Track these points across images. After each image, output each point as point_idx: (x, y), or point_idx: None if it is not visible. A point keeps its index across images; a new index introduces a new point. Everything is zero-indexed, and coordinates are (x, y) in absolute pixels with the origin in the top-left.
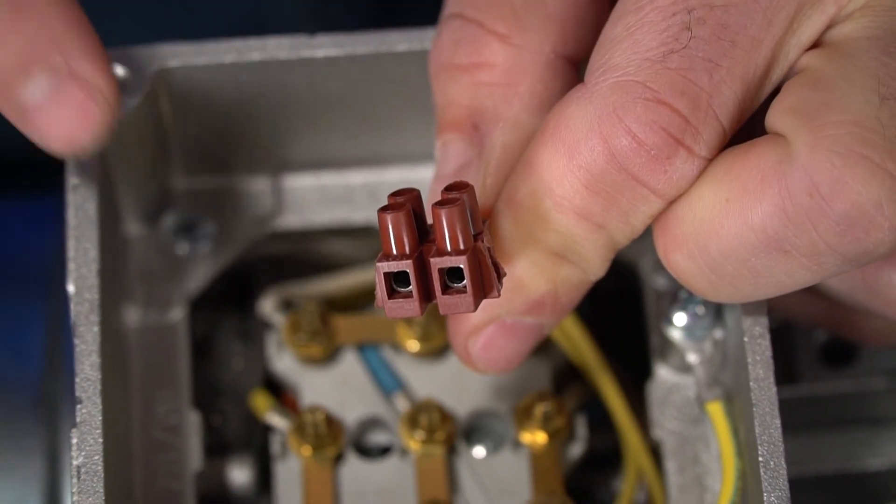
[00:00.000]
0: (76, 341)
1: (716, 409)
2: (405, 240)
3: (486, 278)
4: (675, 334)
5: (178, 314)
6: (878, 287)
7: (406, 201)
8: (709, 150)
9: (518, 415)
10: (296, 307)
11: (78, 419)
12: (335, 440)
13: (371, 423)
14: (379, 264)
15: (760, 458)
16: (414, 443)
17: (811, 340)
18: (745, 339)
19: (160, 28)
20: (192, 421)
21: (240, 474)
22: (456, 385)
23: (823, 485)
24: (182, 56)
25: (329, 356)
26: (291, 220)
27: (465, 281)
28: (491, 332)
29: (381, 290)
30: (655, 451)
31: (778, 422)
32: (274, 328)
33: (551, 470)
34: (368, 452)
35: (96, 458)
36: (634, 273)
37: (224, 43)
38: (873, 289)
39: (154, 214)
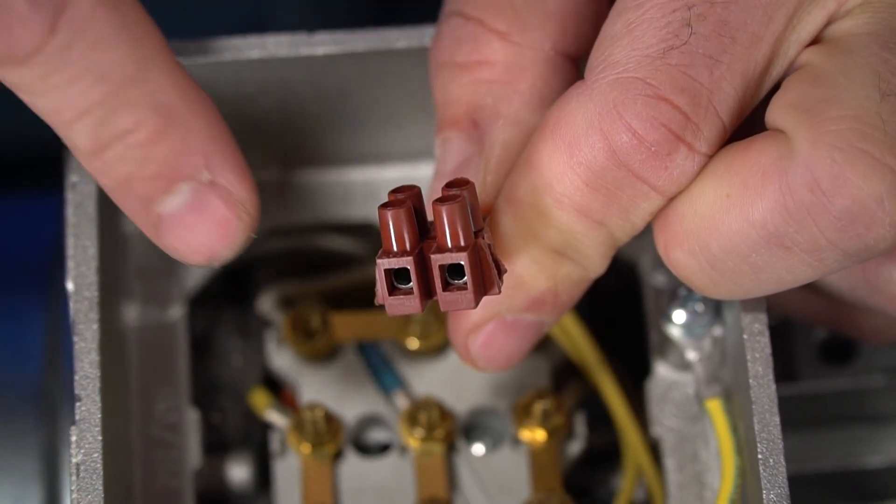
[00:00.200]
0: (75, 339)
1: (715, 407)
2: (406, 236)
3: (487, 275)
4: (675, 332)
5: (177, 312)
6: (878, 283)
7: (406, 198)
8: (709, 147)
9: (517, 412)
10: (295, 304)
11: (77, 417)
12: (334, 438)
13: (370, 421)
14: (379, 261)
15: (760, 456)
16: (413, 440)
17: (810, 338)
18: (745, 336)
19: (160, 27)
20: (192, 418)
21: (239, 472)
22: (455, 383)
23: (822, 482)
24: (182, 54)
25: (328, 354)
26: (291, 217)
27: (465, 278)
28: (491, 330)
29: (381, 287)
30: (655, 449)
31: (777, 419)
32: (273, 326)
33: (550, 467)
34: (368, 450)
35: (95, 455)
36: (634, 271)
37: (223, 41)
38: (874, 285)
39: None
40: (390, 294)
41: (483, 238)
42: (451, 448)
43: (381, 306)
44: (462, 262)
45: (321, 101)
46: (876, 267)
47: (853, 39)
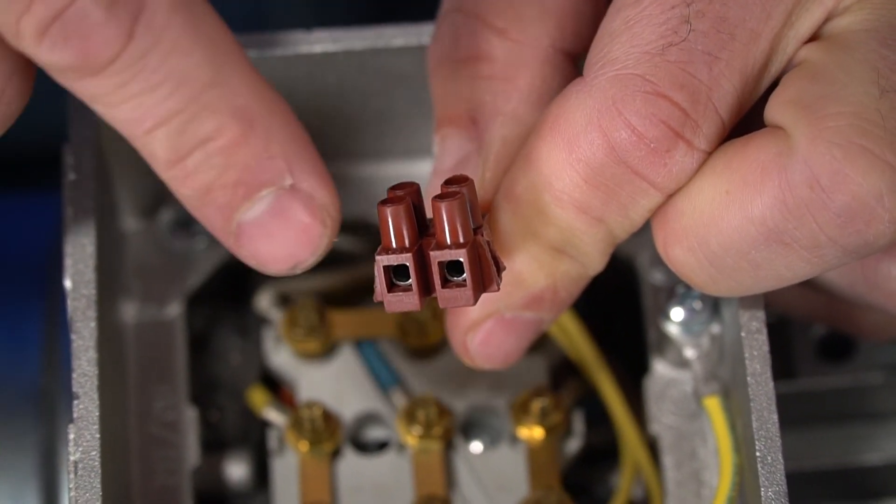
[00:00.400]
0: (73, 337)
1: (713, 404)
2: (405, 233)
3: (486, 272)
4: (673, 329)
5: (175, 310)
6: (877, 279)
7: (406, 195)
8: (708, 143)
9: (515, 410)
10: (293, 302)
11: (75, 415)
12: (332, 435)
13: (368, 419)
14: (378, 257)
15: (758, 453)
16: (411, 438)
17: (809, 335)
18: (743, 333)
19: None
20: (190, 416)
21: (237, 470)
22: (453, 380)
23: (821, 480)
24: None
25: (326, 351)
26: None
27: (464, 274)
28: (490, 327)
29: (380, 284)
30: (653, 447)
31: (775, 417)
32: (271, 323)
33: (548, 465)
34: (366, 448)
35: (93, 453)
36: (632, 268)
37: None
38: (873, 281)
39: (151, 210)
40: (389, 291)
41: (482, 235)
42: (449, 446)
43: (380, 303)
44: (461, 259)
45: (319, 99)
46: (875, 263)
47: (852, 36)
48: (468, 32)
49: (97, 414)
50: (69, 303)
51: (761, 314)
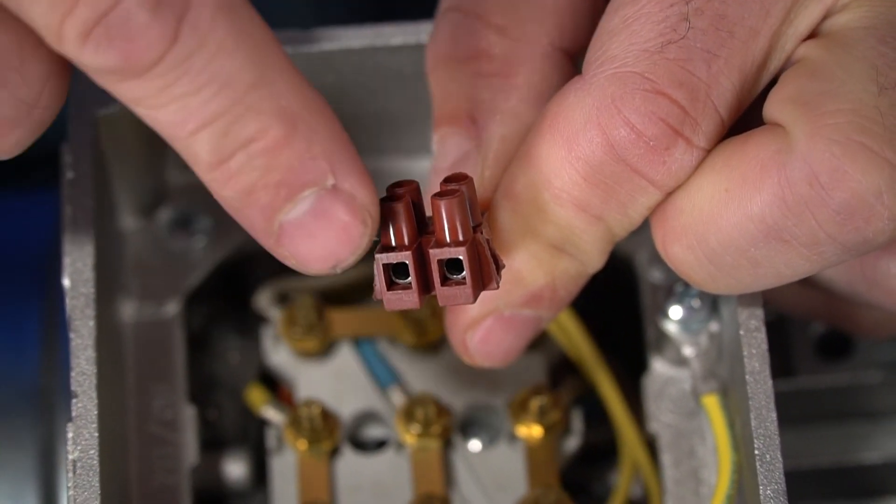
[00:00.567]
0: (72, 335)
1: (712, 403)
2: (404, 231)
3: (486, 270)
4: (671, 327)
5: (173, 308)
6: (876, 277)
7: (405, 192)
8: (707, 141)
9: (514, 408)
10: (291, 301)
11: (73, 413)
12: (331, 434)
13: (367, 417)
14: (378, 255)
15: (756, 452)
16: (410, 436)
17: (807, 333)
18: (741, 332)
19: None
20: (188, 415)
21: (235, 468)
22: (452, 379)
23: (819, 478)
24: None
25: (325, 350)
26: None
27: (464, 272)
28: (489, 325)
29: (379, 282)
30: (651, 445)
31: (774, 415)
32: (270, 322)
33: (547, 464)
34: (364, 446)
35: (92, 452)
36: (630, 266)
37: None
38: (872, 279)
39: (150, 208)
40: (389, 289)
41: (481, 233)
42: (447, 444)
43: (380, 301)
44: (461, 257)
45: None
46: (874, 261)
47: (850, 33)
48: (467, 31)
49: (96, 413)
50: (68, 301)
51: (760, 312)
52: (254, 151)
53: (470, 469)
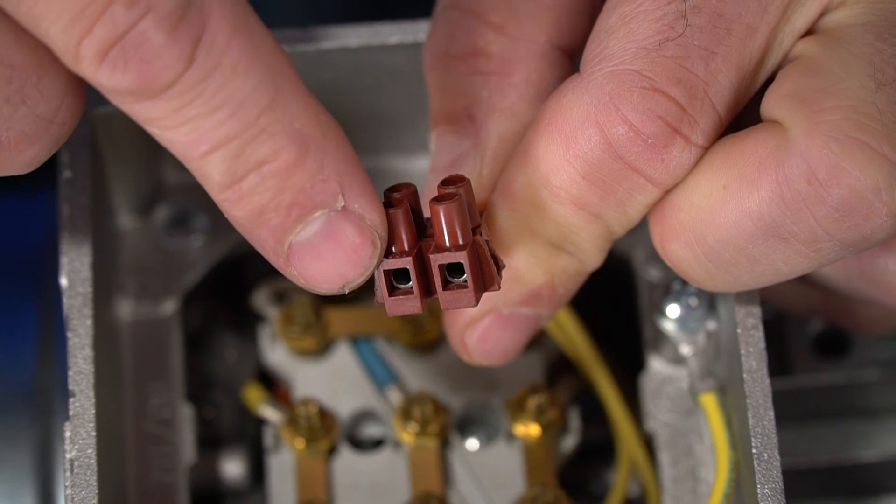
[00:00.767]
0: (69, 335)
1: (709, 401)
2: (404, 237)
3: (487, 272)
4: (669, 326)
5: (171, 307)
6: (874, 274)
7: (403, 197)
8: (705, 139)
9: (511, 407)
10: (289, 299)
11: (71, 412)
12: (328, 433)
13: (364, 416)
14: None
15: (754, 450)
16: (407, 435)
17: (805, 332)
18: (739, 330)
19: None
20: (185, 414)
21: (233, 467)
22: (449, 377)
23: (817, 476)
24: None
25: (322, 349)
26: None
27: (465, 276)
28: (488, 324)
29: (381, 288)
30: (649, 443)
31: (771, 413)
32: (267, 321)
33: (545, 462)
34: (361, 445)
35: (89, 451)
36: (627, 265)
37: None
38: (870, 276)
39: (147, 207)
40: (390, 294)
41: (481, 234)
42: (445, 443)
43: (381, 306)
44: (462, 261)
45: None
46: (872, 258)
47: (848, 30)
48: (464, 29)
49: (93, 411)
50: (65, 301)
51: (757, 310)
52: (266, 173)
53: (467, 468)
